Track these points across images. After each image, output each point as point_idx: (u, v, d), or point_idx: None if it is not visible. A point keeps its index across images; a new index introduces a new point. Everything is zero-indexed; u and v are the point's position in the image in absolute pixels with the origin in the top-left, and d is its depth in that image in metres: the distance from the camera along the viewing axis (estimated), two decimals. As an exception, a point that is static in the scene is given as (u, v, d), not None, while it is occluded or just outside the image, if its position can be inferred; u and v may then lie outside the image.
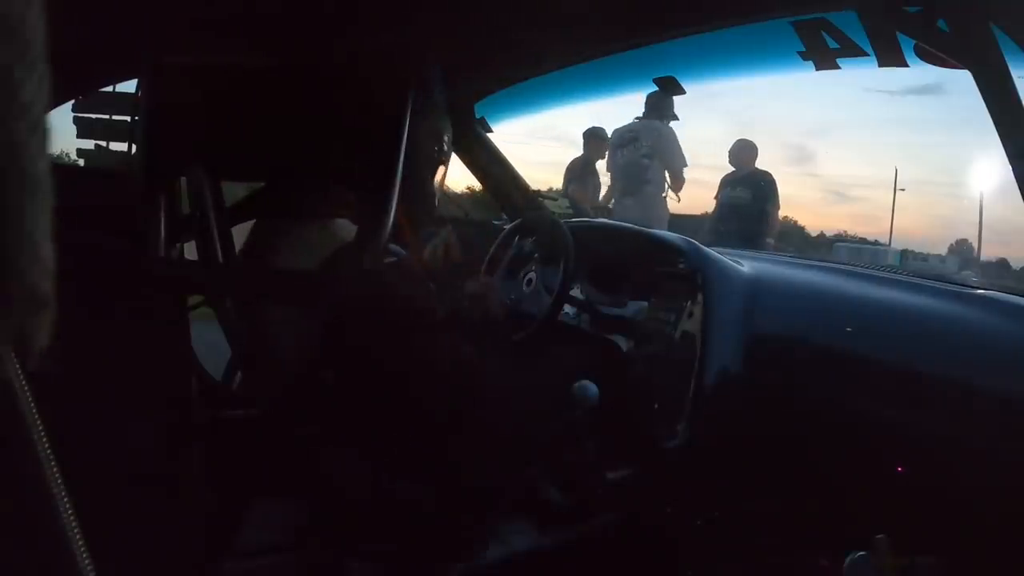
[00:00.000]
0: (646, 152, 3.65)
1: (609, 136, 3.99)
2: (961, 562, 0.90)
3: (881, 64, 1.10)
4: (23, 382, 0.32)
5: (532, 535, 1.06)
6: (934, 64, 1.02)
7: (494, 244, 1.68)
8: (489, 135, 1.86)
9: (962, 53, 0.95)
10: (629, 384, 1.34)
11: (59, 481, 0.33)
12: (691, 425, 1.12)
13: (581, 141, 4.17)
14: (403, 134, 0.89)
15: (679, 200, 3.82)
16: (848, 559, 0.89)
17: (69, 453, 0.34)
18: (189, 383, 0.97)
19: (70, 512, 0.33)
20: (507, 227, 1.71)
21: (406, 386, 0.91)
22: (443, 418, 0.93)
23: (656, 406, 1.26)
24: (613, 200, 3.92)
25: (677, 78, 1.40)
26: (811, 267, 1.44)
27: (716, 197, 3.91)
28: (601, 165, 4.08)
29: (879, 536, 0.88)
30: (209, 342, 1.18)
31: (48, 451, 0.32)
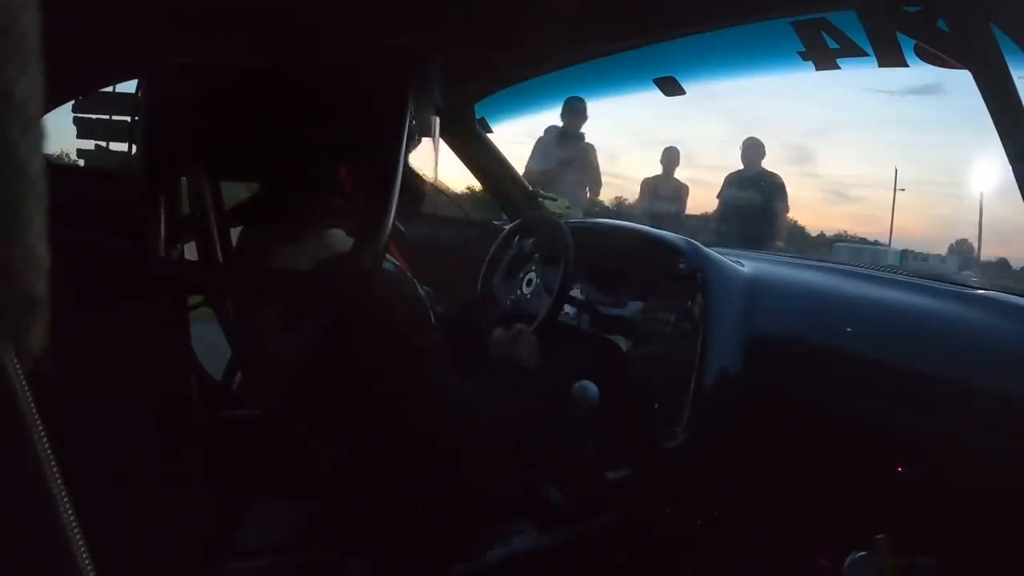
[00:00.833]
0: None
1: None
2: (961, 562, 0.90)
3: (881, 64, 1.10)
4: (23, 382, 0.32)
5: (532, 535, 1.06)
6: (934, 64, 1.02)
7: (494, 244, 1.68)
8: (489, 135, 1.86)
9: (962, 53, 0.95)
10: (629, 384, 1.34)
11: (59, 481, 0.33)
12: (691, 425, 1.12)
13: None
14: (403, 135, 0.89)
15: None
16: (848, 559, 0.89)
17: (69, 453, 0.34)
18: (189, 383, 0.97)
19: (70, 512, 0.33)
20: (507, 227, 1.71)
21: (405, 387, 0.91)
22: (443, 419, 0.93)
23: (656, 406, 1.26)
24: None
25: (677, 78, 1.40)
26: (811, 267, 1.44)
27: (719, 196, 3.90)
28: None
29: (879, 536, 0.88)
30: (209, 342, 1.18)
31: (48, 451, 0.32)
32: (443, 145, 1.70)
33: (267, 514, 0.99)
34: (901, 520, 0.92)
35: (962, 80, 0.94)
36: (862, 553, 0.88)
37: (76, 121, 1.61)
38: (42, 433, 0.32)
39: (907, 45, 1.03)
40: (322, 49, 0.96)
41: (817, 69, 1.18)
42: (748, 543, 1.06)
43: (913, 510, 0.95)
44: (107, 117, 1.57)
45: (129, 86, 1.29)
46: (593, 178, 3.93)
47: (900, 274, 1.34)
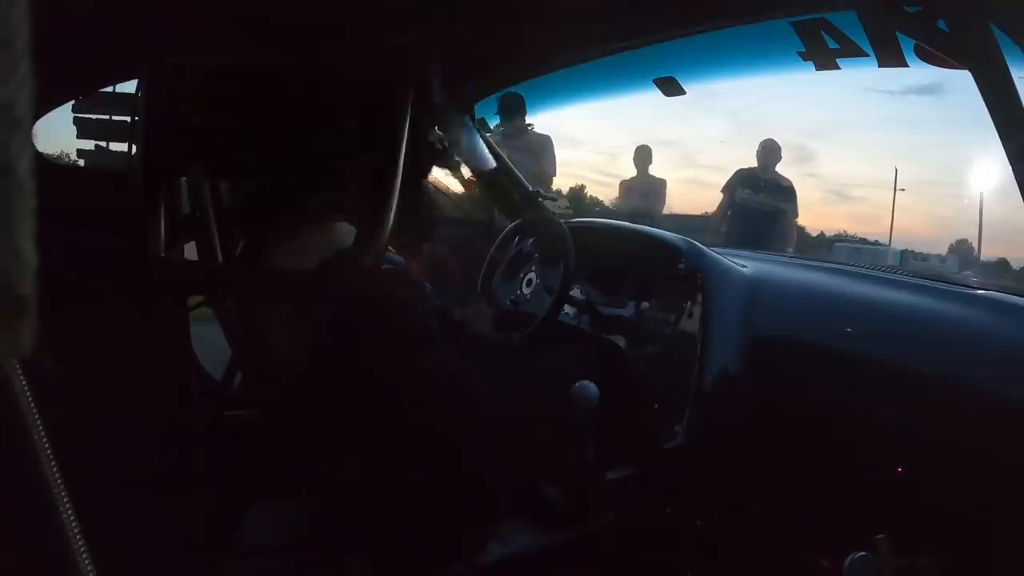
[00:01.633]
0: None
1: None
2: (961, 562, 0.90)
3: (881, 64, 1.10)
4: (23, 382, 0.32)
5: (532, 535, 1.05)
6: (934, 64, 1.02)
7: (494, 244, 1.68)
8: (489, 135, 1.86)
9: (962, 53, 0.95)
10: (629, 384, 1.34)
11: (59, 481, 0.33)
12: (691, 425, 1.12)
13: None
14: (403, 135, 0.89)
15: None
16: (848, 559, 0.89)
17: (69, 453, 0.34)
18: (189, 383, 0.97)
19: (70, 512, 0.33)
20: (507, 227, 1.71)
21: (405, 387, 0.91)
22: (443, 419, 0.93)
23: (656, 406, 1.26)
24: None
25: (677, 78, 1.40)
26: (811, 267, 1.44)
27: (724, 190, 3.86)
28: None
29: (879, 536, 0.87)
30: (209, 342, 1.18)
31: (48, 451, 0.32)
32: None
33: (267, 514, 0.99)
34: (901, 520, 0.92)
35: (962, 80, 0.94)
36: (862, 553, 0.88)
37: (76, 121, 1.61)
38: (42, 433, 0.32)
39: (907, 45, 1.03)
40: (322, 49, 0.96)
41: (817, 69, 1.18)
42: (748, 543, 1.06)
43: (913, 510, 0.94)
44: (107, 117, 1.57)
45: (129, 86, 1.29)
46: (542, 169, 3.79)
47: (900, 274, 1.33)
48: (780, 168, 3.85)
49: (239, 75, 0.94)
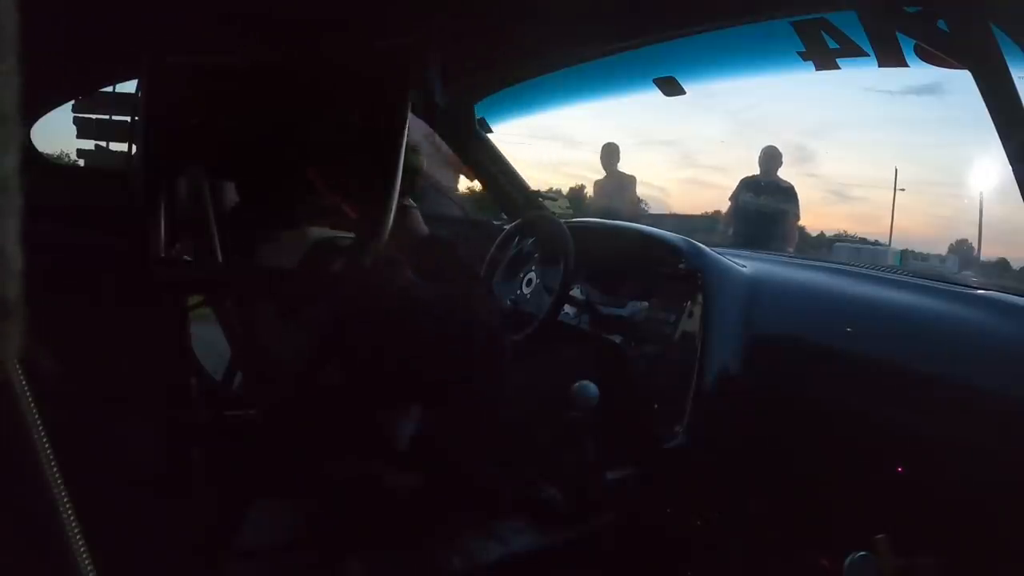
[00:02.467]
0: None
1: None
2: (961, 562, 0.90)
3: (881, 64, 1.10)
4: (23, 382, 0.32)
5: (532, 535, 1.05)
6: (934, 64, 1.02)
7: (494, 244, 1.68)
8: (489, 135, 1.86)
9: (962, 53, 0.95)
10: (629, 384, 1.34)
11: (59, 481, 0.33)
12: (691, 425, 1.12)
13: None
14: (403, 135, 0.89)
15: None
16: (848, 559, 0.89)
17: (69, 453, 0.34)
18: (189, 383, 0.97)
19: (70, 512, 0.33)
20: (507, 227, 1.71)
21: (405, 386, 0.91)
22: (443, 418, 0.93)
23: (656, 406, 1.26)
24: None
25: (677, 78, 1.40)
26: (811, 267, 1.44)
27: (732, 199, 3.97)
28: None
29: (879, 536, 0.87)
30: (209, 342, 1.18)
31: (48, 451, 0.32)
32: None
33: (267, 514, 0.99)
34: (901, 520, 0.92)
35: (962, 80, 0.94)
36: (862, 553, 0.88)
37: (76, 121, 1.61)
38: (42, 433, 0.32)
39: (907, 45, 1.03)
40: (322, 50, 0.96)
41: (817, 69, 1.18)
42: (748, 543, 1.06)
43: (913, 510, 0.94)
44: (107, 117, 1.57)
45: (129, 86, 1.29)
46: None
47: (900, 274, 1.33)
48: (781, 171, 3.96)
49: (239, 75, 0.94)
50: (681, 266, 1.31)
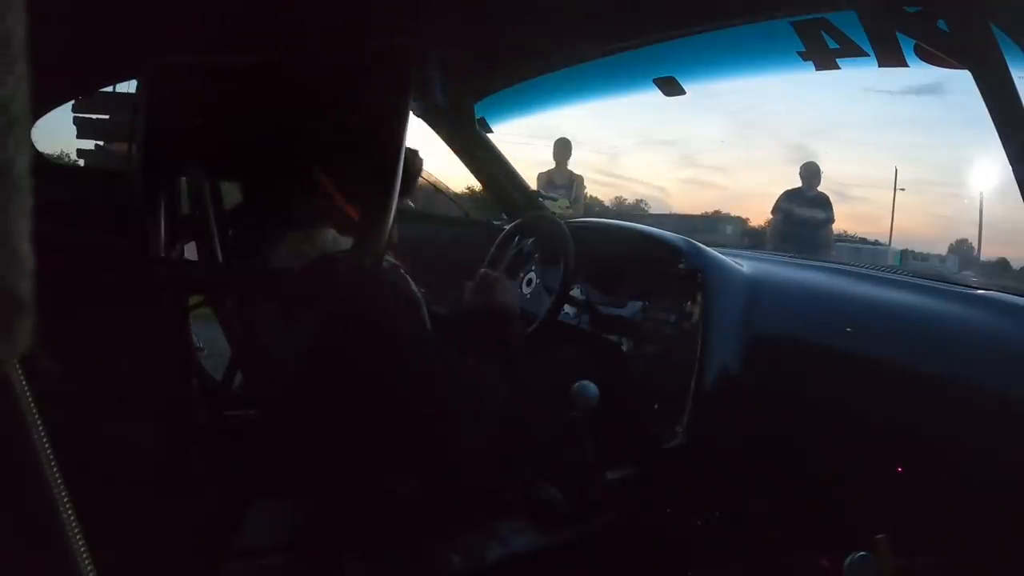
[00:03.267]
0: None
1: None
2: (961, 562, 0.90)
3: (881, 64, 1.10)
4: (23, 382, 0.32)
5: (532, 535, 1.05)
6: (934, 64, 1.02)
7: (494, 244, 1.68)
8: (489, 135, 1.86)
9: (962, 53, 0.95)
10: (629, 384, 1.34)
11: (59, 481, 0.33)
12: (691, 425, 1.12)
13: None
14: (403, 135, 0.89)
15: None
16: (848, 559, 0.89)
17: (69, 453, 0.34)
18: (189, 383, 0.97)
19: (70, 512, 0.33)
20: (507, 227, 1.71)
21: (405, 386, 0.91)
22: (443, 418, 0.93)
23: (656, 406, 1.26)
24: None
25: (677, 78, 1.40)
26: (811, 267, 1.44)
27: (773, 211, 4.38)
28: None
29: (879, 536, 0.87)
30: (209, 342, 1.18)
31: (48, 451, 0.32)
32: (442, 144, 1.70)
33: (267, 514, 0.99)
34: (901, 520, 0.92)
35: (962, 80, 0.94)
36: (862, 553, 0.88)
37: (76, 121, 1.62)
38: (42, 433, 0.32)
39: (907, 45, 1.03)
40: (322, 49, 0.96)
41: (817, 69, 1.18)
42: (748, 543, 1.06)
43: (913, 510, 0.94)
44: (107, 117, 1.57)
45: (129, 86, 1.29)
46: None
47: (900, 274, 1.33)
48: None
49: (239, 75, 0.94)
50: (681, 266, 1.31)
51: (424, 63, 1.02)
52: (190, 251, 1.06)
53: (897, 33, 1.02)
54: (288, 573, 0.94)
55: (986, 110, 0.92)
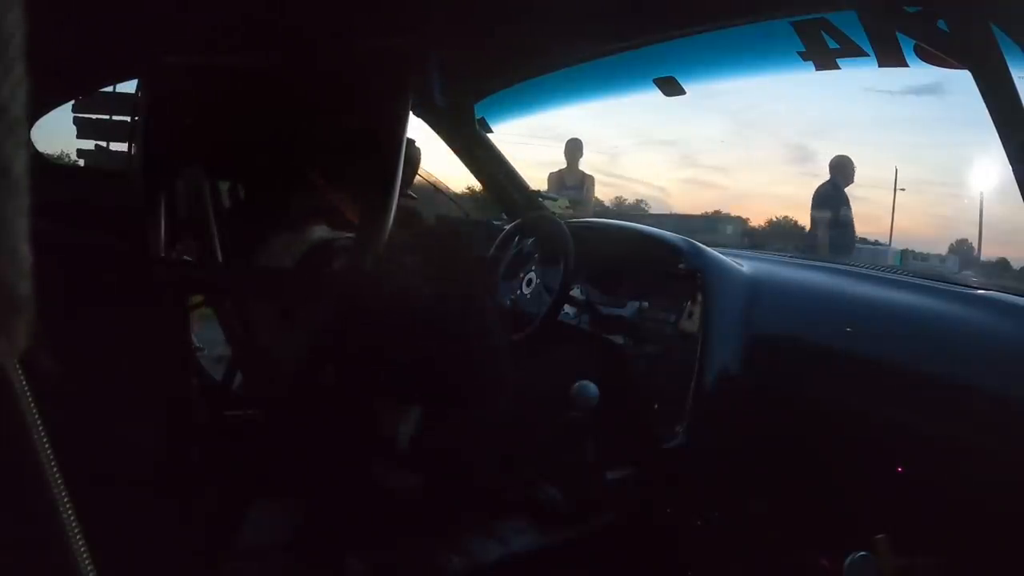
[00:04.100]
0: None
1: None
2: (961, 562, 0.90)
3: (881, 64, 1.10)
4: (23, 382, 0.32)
5: (532, 535, 1.05)
6: (934, 64, 1.02)
7: (494, 244, 1.68)
8: (489, 135, 1.86)
9: (962, 53, 0.95)
10: (629, 384, 1.34)
11: (59, 481, 0.33)
12: (691, 425, 1.12)
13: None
14: (403, 135, 0.89)
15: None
16: (848, 559, 0.89)
17: (69, 453, 0.34)
18: (189, 383, 0.97)
19: (70, 512, 0.33)
20: (507, 227, 1.71)
21: (405, 386, 0.91)
22: (443, 418, 0.93)
23: (656, 406, 1.26)
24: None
25: (677, 78, 1.40)
26: (811, 267, 1.44)
27: (814, 214, 4.13)
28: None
29: (879, 536, 0.87)
30: (209, 342, 1.18)
31: (48, 451, 0.32)
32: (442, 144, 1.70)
33: (267, 514, 0.99)
34: (901, 520, 0.92)
35: (962, 80, 0.94)
36: (862, 553, 0.88)
37: (76, 121, 1.61)
38: (42, 433, 0.32)
39: (907, 45, 1.03)
40: (322, 50, 0.96)
41: (817, 69, 1.18)
42: (748, 543, 1.06)
43: (913, 510, 0.94)
44: (107, 117, 1.57)
45: (129, 86, 1.29)
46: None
47: (900, 274, 1.33)
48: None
49: (239, 75, 0.94)
50: (681, 266, 1.31)
51: (424, 64, 1.01)
52: (190, 251, 1.06)
53: (897, 33, 1.02)
54: (288, 573, 0.94)
55: (986, 110, 0.92)
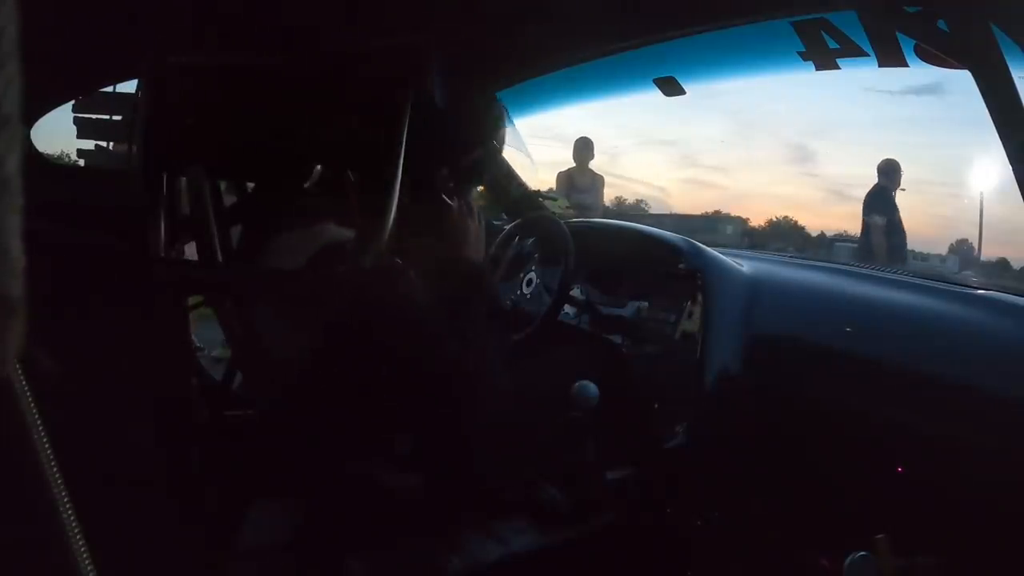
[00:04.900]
0: None
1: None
2: (961, 562, 0.90)
3: (881, 64, 1.10)
4: (23, 382, 0.32)
5: (532, 535, 1.05)
6: (934, 64, 1.02)
7: (494, 244, 1.68)
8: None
9: (962, 53, 0.95)
10: (629, 384, 1.34)
11: (59, 481, 0.33)
12: (691, 425, 1.12)
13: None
14: (403, 135, 0.89)
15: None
16: (848, 559, 0.89)
17: (70, 453, 0.34)
18: (189, 383, 0.97)
19: (70, 512, 0.33)
20: (507, 227, 1.71)
21: (405, 386, 0.91)
22: (443, 418, 0.93)
23: (656, 406, 1.26)
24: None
25: (677, 78, 1.40)
26: (811, 267, 1.44)
27: (867, 219, 3.99)
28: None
29: (879, 536, 0.87)
30: (209, 342, 1.18)
31: (48, 451, 0.32)
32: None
33: (267, 514, 0.99)
34: (901, 520, 0.92)
35: (962, 80, 0.94)
36: (862, 553, 0.88)
37: (76, 121, 1.61)
38: (42, 433, 0.32)
39: (907, 45, 1.03)
40: (322, 50, 0.96)
41: (817, 69, 1.18)
42: (748, 543, 1.06)
43: (913, 510, 0.94)
44: (107, 117, 1.57)
45: (129, 86, 1.29)
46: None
47: (900, 274, 1.33)
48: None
49: (239, 75, 0.94)
50: (681, 266, 1.31)
51: (424, 63, 1.01)
52: (190, 251, 1.06)
53: (897, 33, 1.02)
54: (288, 573, 0.94)
55: (986, 110, 0.92)
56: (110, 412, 0.79)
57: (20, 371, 0.32)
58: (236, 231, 1.08)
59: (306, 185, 1.01)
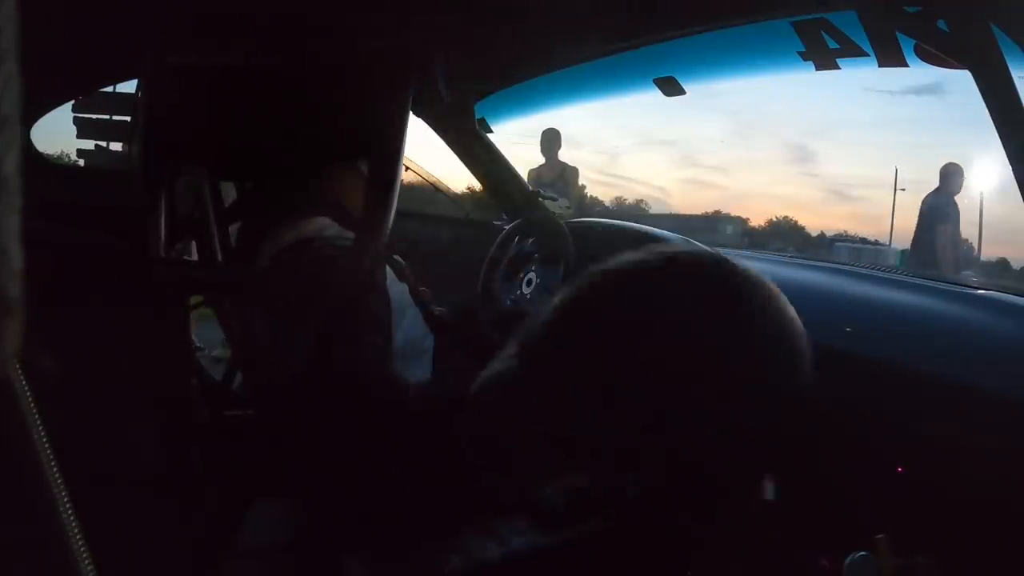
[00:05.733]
0: None
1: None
2: (961, 562, 0.90)
3: (881, 64, 1.10)
4: (23, 382, 0.32)
5: (532, 535, 1.05)
6: (934, 64, 1.02)
7: (494, 244, 1.68)
8: (489, 135, 1.86)
9: (962, 53, 0.95)
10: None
11: (59, 481, 0.33)
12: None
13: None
14: (403, 135, 0.89)
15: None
16: (848, 559, 0.89)
17: (70, 453, 0.34)
18: (189, 383, 0.97)
19: (70, 512, 0.33)
20: (507, 227, 1.71)
21: (405, 386, 0.91)
22: (443, 418, 0.93)
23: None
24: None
25: (677, 78, 1.40)
26: (811, 267, 1.44)
27: (924, 228, 3.85)
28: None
29: (879, 536, 0.87)
30: (209, 342, 1.18)
31: (48, 452, 0.32)
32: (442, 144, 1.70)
33: (267, 514, 0.99)
34: (901, 520, 0.92)
35: (962, 80, 0.94)
36: (862, 553, 0.88)
37: (76, 121, 1.62)
38: (42, 434, 0.32)
39: (907, 45, 1.03)
40: (322, 49, 0.96)
41: (817, 69, 1.18)
42: (748, 543, 1.06)
43: (913, 510, 0.94)
44: (107, 117, 1.57)
45: (129, 86, 1.29)
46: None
47: (900, 274, 1.33)
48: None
49: (239, 75, 0.94)
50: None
51: (425, 63, 1.01)
52: (190, 251, 1.06)
53: (897, 33, 1.02)
54: (288, 573, 0.94)
55: (986, 110, 0.92)
56: (110, 412, 0.79)
57: (20, 371, 0.32)
58: (237, 231, 1.08)
59: (304, 185, 1.01)
